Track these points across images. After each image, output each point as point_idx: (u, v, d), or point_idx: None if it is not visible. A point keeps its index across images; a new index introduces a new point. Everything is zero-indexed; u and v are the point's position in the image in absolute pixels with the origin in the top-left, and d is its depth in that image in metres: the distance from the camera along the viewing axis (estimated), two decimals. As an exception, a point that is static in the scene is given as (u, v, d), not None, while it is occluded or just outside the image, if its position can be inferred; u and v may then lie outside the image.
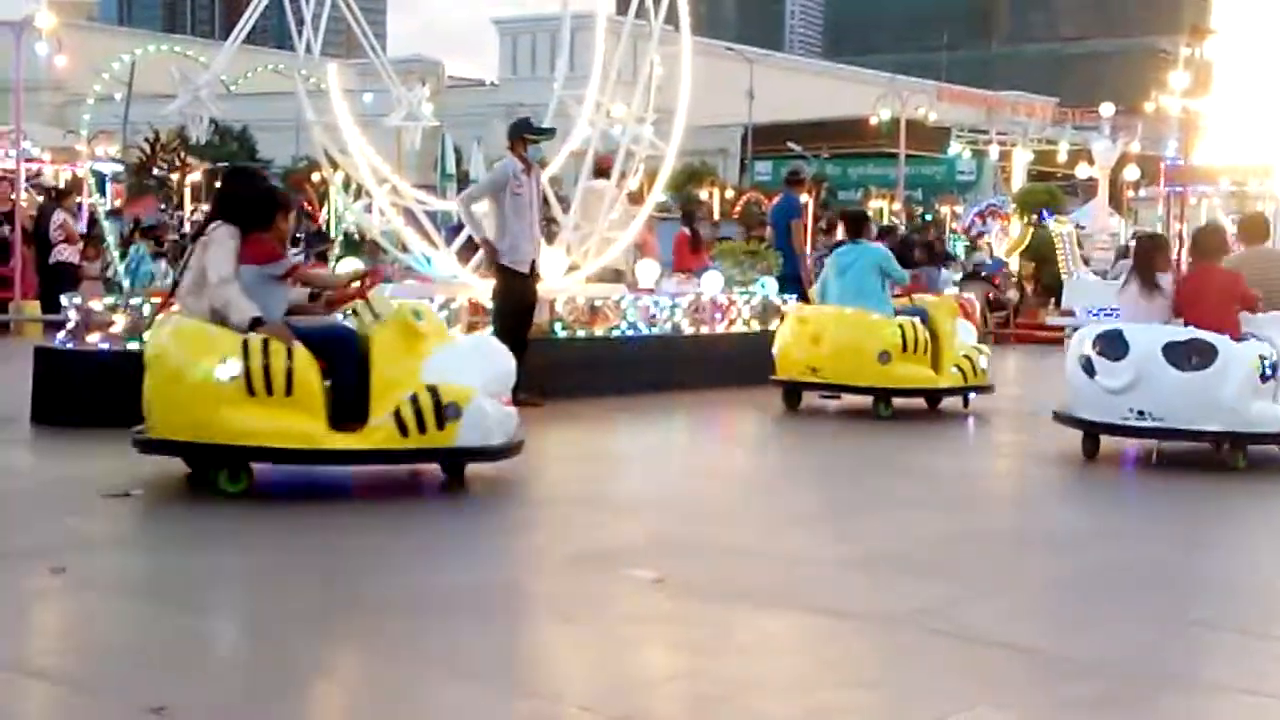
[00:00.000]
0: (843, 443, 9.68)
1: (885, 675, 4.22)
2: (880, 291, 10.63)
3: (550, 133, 10.68)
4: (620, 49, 12.00)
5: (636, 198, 12.92)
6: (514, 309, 10.21)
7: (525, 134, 10.35)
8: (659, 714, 3.80)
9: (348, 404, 6.59)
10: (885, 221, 31.05)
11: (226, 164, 23.02)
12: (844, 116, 50.87)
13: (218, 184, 10.52)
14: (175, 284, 6.94)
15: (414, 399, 6.57)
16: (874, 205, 33.48)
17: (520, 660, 4.33)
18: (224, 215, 6.83)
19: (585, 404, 10.39)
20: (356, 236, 14.98)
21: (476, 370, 6.90)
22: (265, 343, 6.42)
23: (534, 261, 10.37)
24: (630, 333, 11.77)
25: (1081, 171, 31.85)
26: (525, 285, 10.33)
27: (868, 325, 10.42)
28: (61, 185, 21.94)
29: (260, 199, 6.99)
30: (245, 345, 6.41)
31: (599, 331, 11.57)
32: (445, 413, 6.58)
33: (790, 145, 48.75)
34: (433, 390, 6.61)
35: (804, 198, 15.76)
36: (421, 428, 6.57)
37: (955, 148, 44.56)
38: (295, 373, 6.44)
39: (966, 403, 10.86)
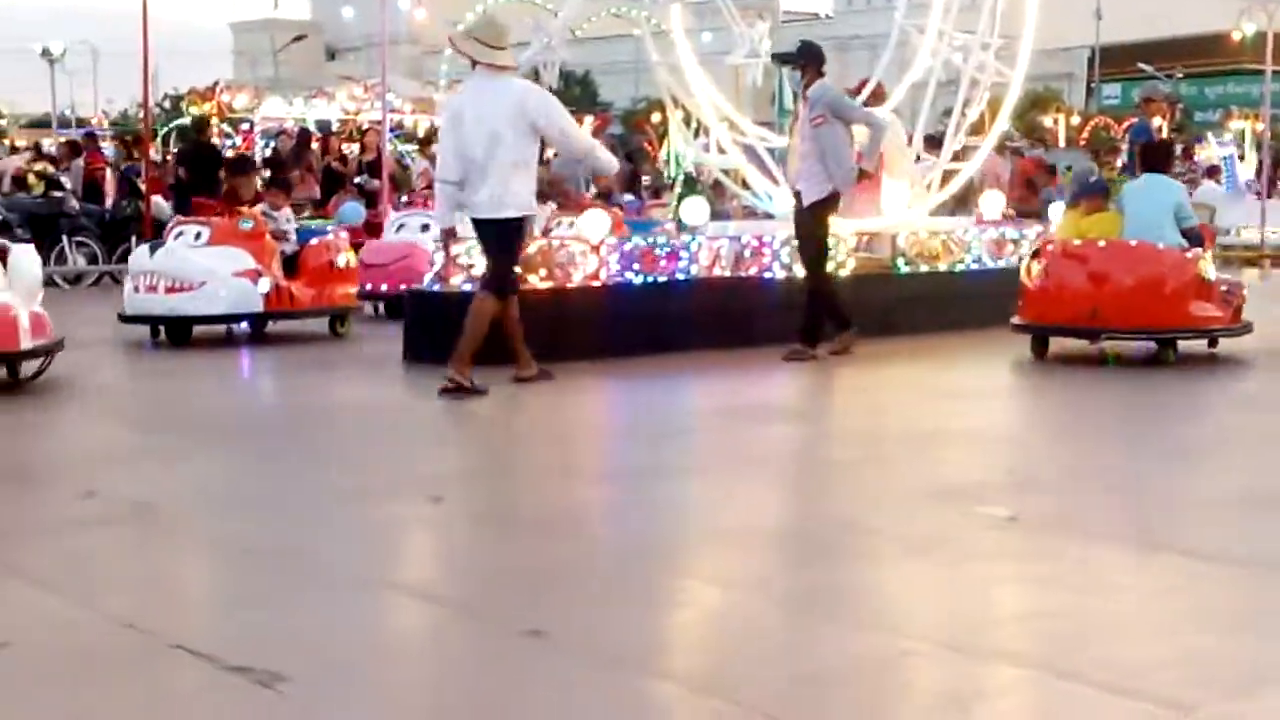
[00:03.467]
0: (1167, 382, 9.06)
1: (1258, 622, 4.05)
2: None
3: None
4: (963, -27, 11.70)
5: (979, 128, 12.61)
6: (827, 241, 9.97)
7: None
8: (1013, 652, 3.77)
9: None
10: (1248, 142, 29.22)
11: (570, 109, 23.60)
12: (1200, 33, 48.01)
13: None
14: None
15: None
16: (1235, 126, 31.55)
17: (868, 596, 4.37)
18: None
19: (929, 340, 10.29)
20: (696, 175, 15.20)
21: None
22: None
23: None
24: (975, 266, 11.55)
25: None
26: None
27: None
28: (421, 135, 23.08)
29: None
30: None
31: (942, 266, 11.40)
32: None
33: (1141, 66, 46.41)
34: None
35: (1157, 121, 15.05)
36: None
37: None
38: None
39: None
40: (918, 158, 11.95)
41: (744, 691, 3.41)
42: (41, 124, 42.34)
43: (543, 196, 14.41)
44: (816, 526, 5.18)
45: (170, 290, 10.47)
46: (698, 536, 5.04)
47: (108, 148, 24.91)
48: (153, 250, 10.87)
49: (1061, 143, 31.69)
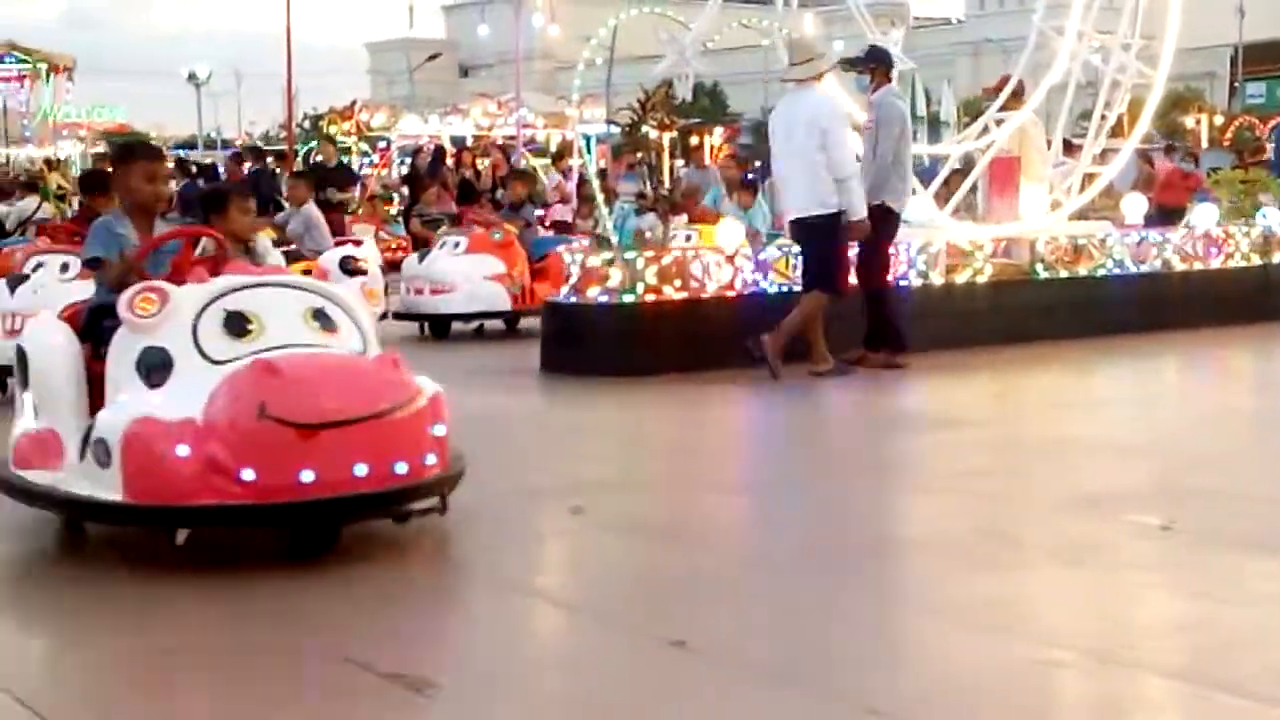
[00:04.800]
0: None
1: None
2: None
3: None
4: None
5: (1118, 130, 12.38)
6: None
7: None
8: (1166, 664, 3.70)
9: None
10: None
11: (699, 120, 23.68)
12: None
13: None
14: None
15: None
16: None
17: (1015, 604, 4.31)
18: None
19: (1070, 346, 10.12)
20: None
21: None
22: None
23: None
24: (1116, 271, 11.34)
25: None
26: None
27: None
28: (554, 149, 23.33)
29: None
30: None
31: (1082, 271, 11.20)
32: None
33: (1288, 63, 45.09)
34: None
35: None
36: None
37: None
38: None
39: None
40: (1060, 162, 11.77)
41: (887, 701, 3.39)
42: (188, 145, 43.60)
43: (673, 208, 14.48)
44: (961, 535, 5.13)
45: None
46: (840, 546, 5.01)
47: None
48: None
49: (1204, 143, 30.92)
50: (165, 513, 4.39)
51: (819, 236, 8.88)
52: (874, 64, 9.73)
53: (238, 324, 4.64)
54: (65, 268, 8.37)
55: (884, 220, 9.23)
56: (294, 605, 4.26)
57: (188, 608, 4.24)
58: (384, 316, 10.76)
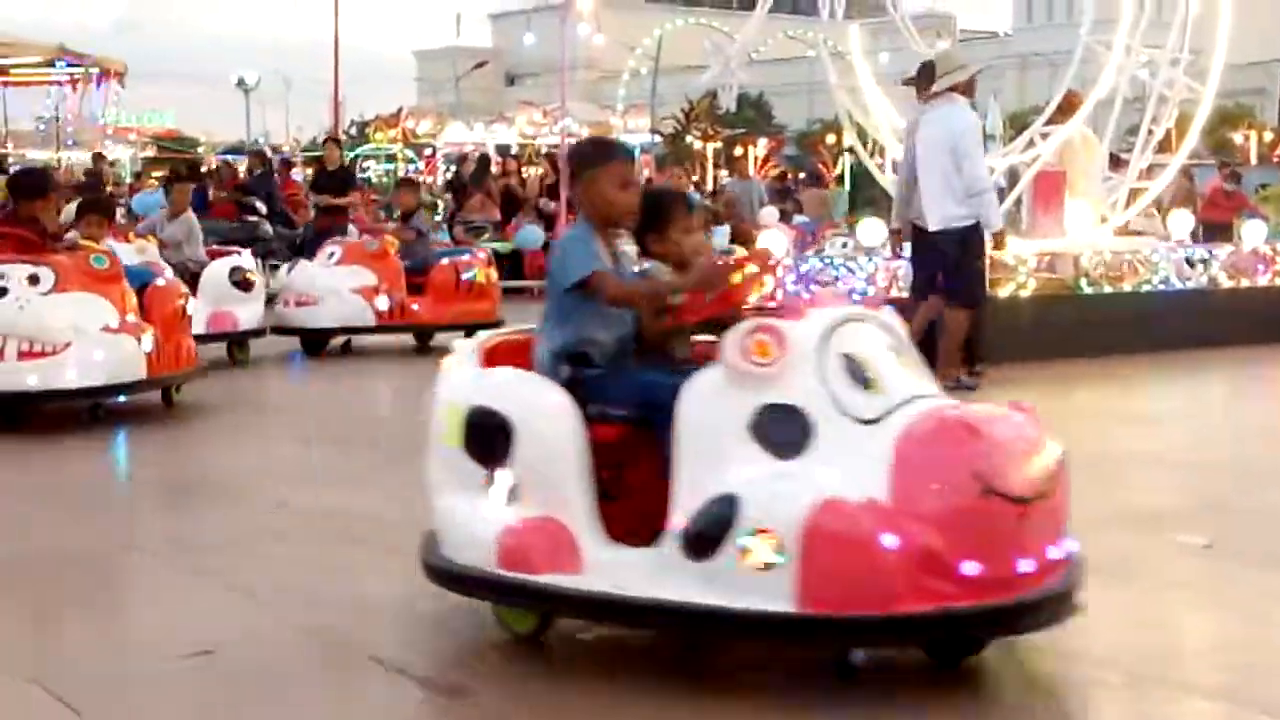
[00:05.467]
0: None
1: None
2: None
3: None
4: (1151, -13, 11.42)
5: (1165, 145, 12.30)
6: None
7: None
8: (1207, 684, 3.66)
9: None
10: None
11: (743, 131, 23.70)
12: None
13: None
14: None
15: None
16: None
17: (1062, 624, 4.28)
18: None
19: (1114, 361, 10.04)
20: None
21: None
22: None
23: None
24: (1162, 287, 11.25)
25: None
26: None
27: None
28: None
29: None
30: None
31: (1127, 287, 11.12)
32: None
33: (1339, 79, 44.65)
34: None
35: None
36: None
37: None
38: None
39: None
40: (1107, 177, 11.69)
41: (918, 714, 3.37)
42: (236, 151, 43.97)
43: (715, 218, 14.48)
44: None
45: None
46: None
47: (299, 174, 25.76)
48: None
49: (1254, 159, 30.67)
50: (862, 624, 3.38)
51: (957, 248, 8.86)
52: (923, 80, 9.69)
53: (857, 370, 3.57)
54: (34, 280, 7.52)
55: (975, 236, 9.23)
56: (336, 612, 4.28)
57: None
58: (262, 333, 10.50)
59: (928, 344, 9.32)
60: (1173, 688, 3.62)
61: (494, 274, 11.84)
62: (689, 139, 23.50)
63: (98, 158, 19.87)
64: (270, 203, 17.24)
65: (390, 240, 11.24)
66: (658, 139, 24.45)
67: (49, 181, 8.79)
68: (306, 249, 13.57)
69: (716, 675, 3.68)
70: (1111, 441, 7.46)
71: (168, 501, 6.23)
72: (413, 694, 3.52)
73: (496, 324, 8.54)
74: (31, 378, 7.39)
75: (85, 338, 7.44)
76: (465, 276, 11.28)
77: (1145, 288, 11.13)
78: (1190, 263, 11.31)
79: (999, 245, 9.21)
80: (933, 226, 8.86)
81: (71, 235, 8.28)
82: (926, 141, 8.94)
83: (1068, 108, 11.03)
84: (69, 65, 22.04)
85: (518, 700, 3.50)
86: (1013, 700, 3.52)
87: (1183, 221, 12.01)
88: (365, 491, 6.11)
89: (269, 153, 21.22)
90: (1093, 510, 5.72)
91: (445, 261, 11.41)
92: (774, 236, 10.30)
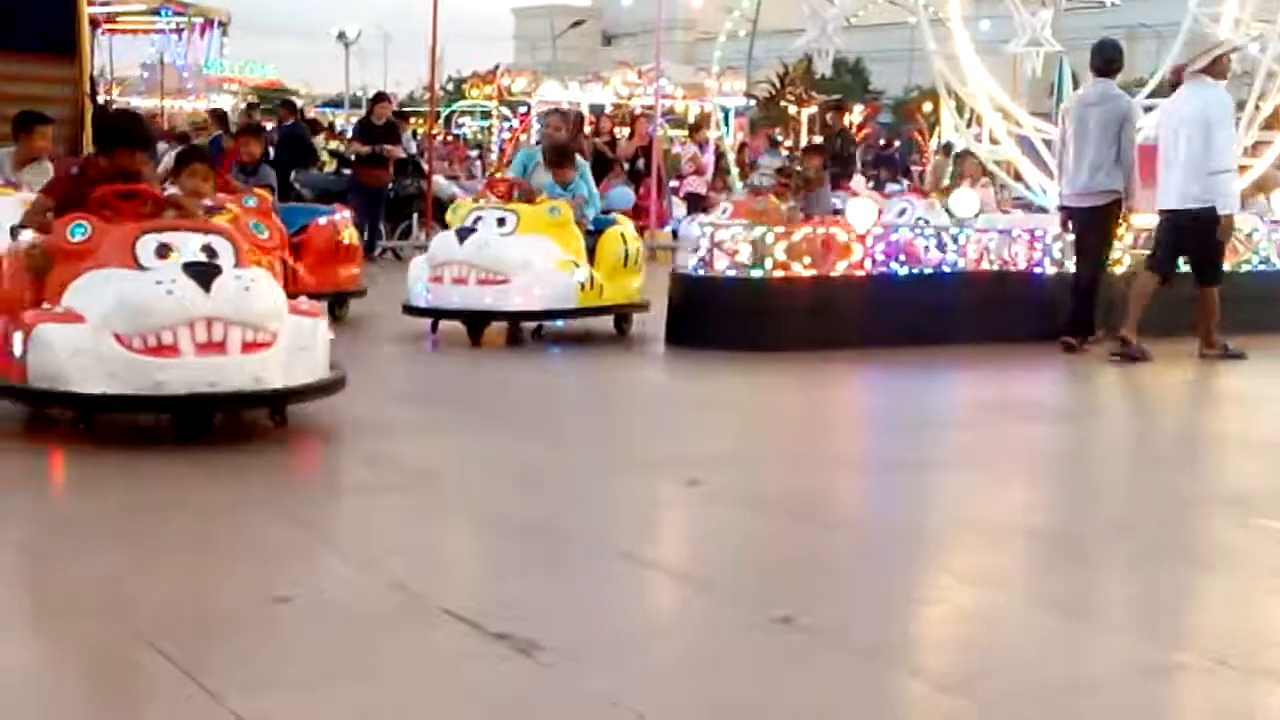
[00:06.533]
0: None
1: None
2: None
3: None
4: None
5: (1273, 122, 12.00)
6: None
7: None
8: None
9: None
10: None
11: (838, 97, 23.43)
12: None
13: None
14: None
15: None
16: None
17: (1136, 603, 4.22)
18: None
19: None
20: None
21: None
22: None
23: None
24: (1262, 267, 11.00)
25: None
26: None
27: None
28: (692, 120, 23.24)
29: None
30: None
31: (1226, 266, 10.86)
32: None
33: None
34: None
35: None
36: None
37: None
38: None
39: None
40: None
41: (994, 694, 3.34)
42: (335, 104, 44.36)
43: (807, 184, 14.30)
44: (1083, 528, 5.03)
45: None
46: (958, 532, 4.95)
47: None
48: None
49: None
50: None
51: (1195, 229, 9.03)
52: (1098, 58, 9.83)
53: None
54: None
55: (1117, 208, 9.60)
56: (414, 563, 4.32)
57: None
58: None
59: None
60: (1259, 675, 3.53)
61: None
62: (783, 103, 23.13)
63: (218, 114, 19.59)
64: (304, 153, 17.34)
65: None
66: (752, 102, 24.26)
67: (149, 130, 7.48)
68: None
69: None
70: (1206, 422, 7.40)
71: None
72: (485, 649, 3.55)
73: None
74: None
75: None
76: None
77: (1244, 267, 10.88)
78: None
79: (1225, 232, 9.24)
80: (1173, 205, 9.08)
81: (173, 190, 7.31)
82: (1173, 120, 9.12)
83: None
84: (173, 14, 22.29)
85: (585, 659, 3.52)
86: (1082, 678, 3.48)
87: (1288, 199, 11.70)
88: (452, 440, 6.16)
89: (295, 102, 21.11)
90: (1181, 490, 5.65)
91: (320, 220, 10.62)
92: (863, 206, 10.16)
